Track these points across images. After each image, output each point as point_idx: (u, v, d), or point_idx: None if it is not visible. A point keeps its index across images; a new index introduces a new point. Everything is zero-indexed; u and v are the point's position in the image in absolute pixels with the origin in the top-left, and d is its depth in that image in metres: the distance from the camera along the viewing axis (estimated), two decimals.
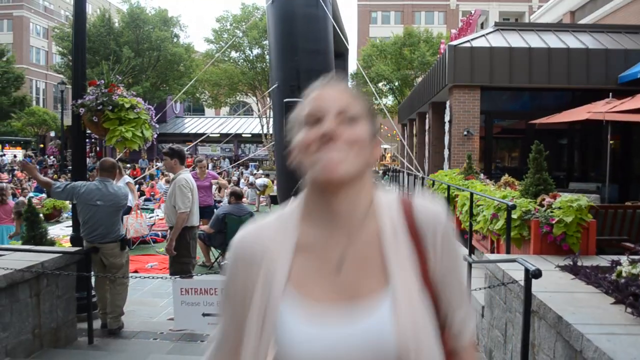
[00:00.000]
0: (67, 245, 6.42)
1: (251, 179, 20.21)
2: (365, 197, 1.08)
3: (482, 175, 9.44)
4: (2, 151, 32.49)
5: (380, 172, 30.39)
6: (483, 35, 12.97)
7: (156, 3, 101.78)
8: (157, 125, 6.55)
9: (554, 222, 4.92)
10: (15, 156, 31.56)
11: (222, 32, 33.64)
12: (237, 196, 8.97)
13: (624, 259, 3.67)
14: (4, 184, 11.67)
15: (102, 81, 6.02)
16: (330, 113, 1.06)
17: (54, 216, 14.01)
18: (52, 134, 41.31)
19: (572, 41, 12.36)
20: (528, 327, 3.18)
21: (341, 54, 13.18)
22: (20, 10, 50.62)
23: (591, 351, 2.63)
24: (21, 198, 11.26)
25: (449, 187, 8.35)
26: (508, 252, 5.27)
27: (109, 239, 5.14)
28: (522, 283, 3.33)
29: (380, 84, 32.90)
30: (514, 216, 5.28)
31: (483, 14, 17.97)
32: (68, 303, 4.93)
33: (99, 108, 5.73)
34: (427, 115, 16.90)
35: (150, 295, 7.06)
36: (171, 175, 6.32)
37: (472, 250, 6.89)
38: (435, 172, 12.33)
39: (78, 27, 6.08)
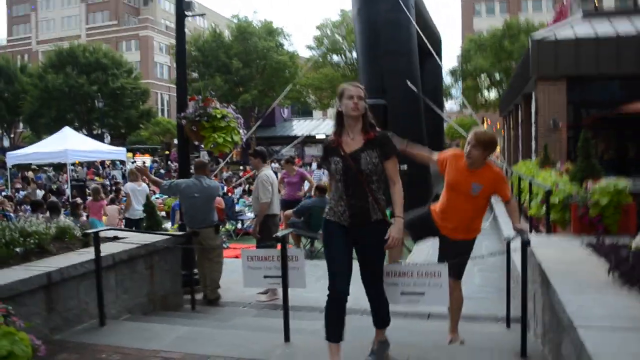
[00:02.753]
0: None
1: None
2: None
3: (558, 165, 9.64)
4: (133, 158, 36.26)
5: None
6: (569, 25, 12.90)
7: (262, 16, 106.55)
8: (245, 131, 7.70)
9: (590, 204, 5.35)
10: (144, 162, 35.10)
11: (323, 38, 35.12)
12: (321, 190, 9.94)
13: None
14: (99, 186, 13.62)
15: (200, 96, 7.29)
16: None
17: None
18: (176, 141, 45.15)
19: None
20: (525, 288, 3.79)
21: (434, 52, 13.71)
22: (145, 31, 55.89)
23: (556, 301, 3.23)
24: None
25: (519, 177, 8.74)
26: (549, 232, 5.74)
27: (205, 224, 6.35)
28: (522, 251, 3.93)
29: (479, 78, 32.55)
30: (557, 200, 5.75)
31: (575, 1, 17.48)
32: (174, 276, 6.19)
33: (197, 119, 6.97)
34: (519, 108, 16.87)
35: None
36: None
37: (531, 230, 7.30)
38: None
39: (179, 60, 7.40)
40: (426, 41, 12.85)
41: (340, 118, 3.48)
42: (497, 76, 32.41)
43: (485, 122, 33.21)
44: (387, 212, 3.52)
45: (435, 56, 14.86)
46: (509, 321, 4.86)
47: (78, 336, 4.47)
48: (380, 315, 3.66)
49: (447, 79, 33.97)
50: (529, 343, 3.84)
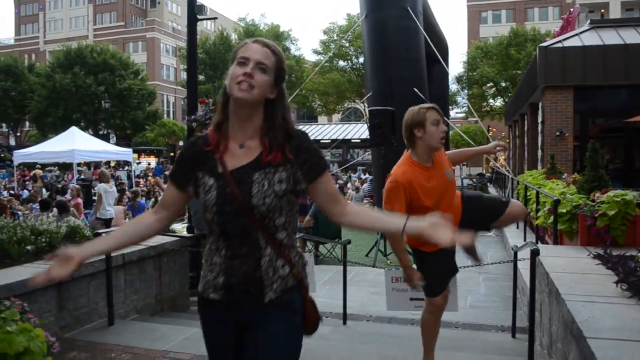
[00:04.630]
0: None
1: (357, 183, 21.17)
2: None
3: (565, 175, 9.66)
4: (138, 159, 36.38)
5: (488, 175, 29.98)
6: (577, 34, 12.95)
7: (269, 19, 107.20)
8: None
9: (597, 215, 5.37)
10: (149, 164, 35.23)
11: (329, 42, 35.26)
12: None
13: None
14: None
15: (210, 100, 7.34)
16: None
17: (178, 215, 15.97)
18: (181, 143, 45.43)
19: None
20: (534, 297, 3.82)
21: (439, 59, 13.76)
22: (152, 32, 56.14)
23: (565, 312, 3.26)
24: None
25: (526, 187, 8.76)
26: (556, 243, 5.76)
27: None
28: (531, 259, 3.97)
29: (485, 87, 32.61)
30: (564, 210, 5.76)
31: (582, 10, 17.52)
32: (183, 278, 6.23)
33: (207, 122, 7.02)
34: (525, 117, 16.89)
35: None
36: None
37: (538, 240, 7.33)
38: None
39: (190, 63, 7.46)
40: (434, 48, 12.90)
41: (225, 102, 1.82)
42: (503, 84, 32.48)
43: (490, 130, 33.20)
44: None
45: (443, 63, 14.91)
46: (514, 331, 4.88)
47: (88, 335, 4.51)
48: None
49: (452, 87, 34.06)
50: (535, 353, 3.86)
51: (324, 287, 7.25)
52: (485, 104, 34.24)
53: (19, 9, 65.61)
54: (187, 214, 7.38)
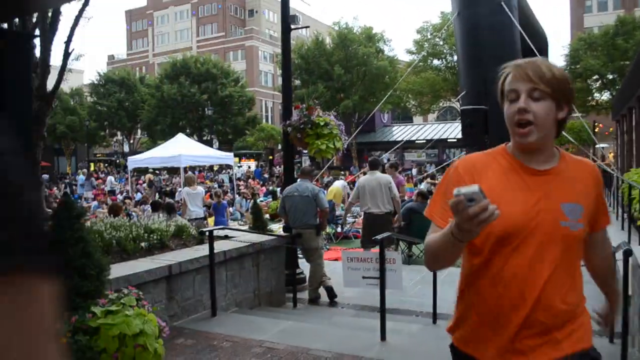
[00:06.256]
0: None
1: None
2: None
3: None
4: (239, 163, 37.97)
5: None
6: None
7: (362, 21, 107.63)
8: (347, 138, 7.99)
9: None
10: (249, 167, 36.67)
11: (423, 42, 34.86)
12: (423, 196, 10.01)
13: None
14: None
15: (304, 105, 7.66)
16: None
17: (277, 216, 16.60)
18: (279, 146, 46.85)
19: None
20: (627, 297, 3.71)
21: (539, 50, 13.26)
22: (251, 41, 58.34)
23: None
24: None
25: (630, 186, 8.28)
26: None
27: (307, 225, 6.69)
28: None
29: (590, 80, 30.69)
30: None
31: None
32: (279, 275, 6.58)
33: (301, 127, 7.35)
34: (633, 111, 15.80)
35: None
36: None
37: None
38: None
39: (285, 72, 7.83)
40: (531, 45, 12.47)
41: None
42: (609, 76, 30.39)
43: (596, 126, 31.25)
44: None
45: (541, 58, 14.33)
46: (612, 335, 4.71)
47: (193, 324, 4.93)
48: None
49: None
50: (632, 359, 3.75)
51: (415, 286, 7.32)
52: (590, 98, 32.25)
53: (130, 25, 70.72)
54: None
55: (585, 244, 1.68)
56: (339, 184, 15.65)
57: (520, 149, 1.64)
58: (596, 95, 32.93)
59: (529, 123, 1.55)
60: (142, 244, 5.29)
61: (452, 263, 1.59)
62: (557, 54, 49.74)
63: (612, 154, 37.49)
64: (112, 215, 7.42)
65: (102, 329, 3.05)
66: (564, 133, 10.82)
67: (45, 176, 28.07)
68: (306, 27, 9.87)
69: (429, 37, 34.78)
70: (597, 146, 23.67)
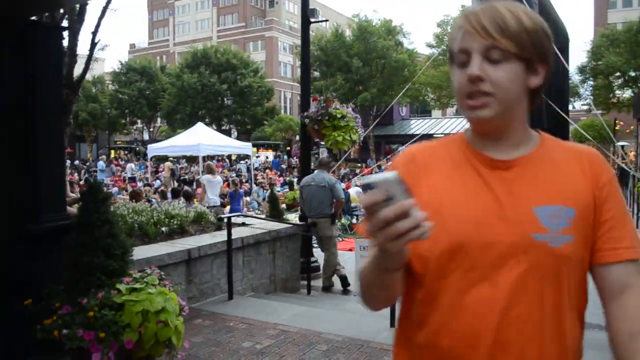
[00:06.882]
0: None
1: None
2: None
3: None
4: (257, 153, 38.25)
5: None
6: None
7: (382, 14, 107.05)
8: (363, 130, 8.13)
9: None
10: (267, 157, 36.93)
11: (443, 35, 34.69)
12: None
13: None
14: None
15: (322, 97, 7.81)
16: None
17: (293, 206, 16.81)
18: (297, 137, 47.05)
19: None
20: None
21: (560, 49, 13.18)
22: (271, 32, 58.55)
23: None
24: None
25: None
26: None
27: (322, 214, 6.86)
28: None
29: (612, 77, 30.25)
30: None
31: None
32: (294, 262, 6.77)
33: (319, 119, 7.50)
34: None
35: None
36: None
37: None
38: None
39: (304, 64, 7.98)
40: (552, 43, 12.41)
41: None
42: (632, 74, 29.94)
43: (617, 123, 30.84)
44: None
45: (561, 58, 14.27)
46: None
47: (210, 306, 5.14)
48: None
49: (575, 77, 32.01)
50: None
51: None
52: (611, 95, 31.84)
53: (152, 14, 71.29)
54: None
55: (600, 290, 1.11)
56: (352, 192, 15.88)
57: (477, 130, 1.15)
58: (618, 92, 32.48)
59: (485, 95, 1.04)
60: (163, 229, 5.51)
61: (391, 300, 1.15)
62: (580, 50, 49.03)
63: (632, 152, 36.98)
64: (133, 201, 7.67)
65: (126, 305, 3.25)
66: (581, 130, 10.70)
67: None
68: (325, 20, 9.98)
69: (449, 30, 34.59)
70: (617, 144, 23.43)
